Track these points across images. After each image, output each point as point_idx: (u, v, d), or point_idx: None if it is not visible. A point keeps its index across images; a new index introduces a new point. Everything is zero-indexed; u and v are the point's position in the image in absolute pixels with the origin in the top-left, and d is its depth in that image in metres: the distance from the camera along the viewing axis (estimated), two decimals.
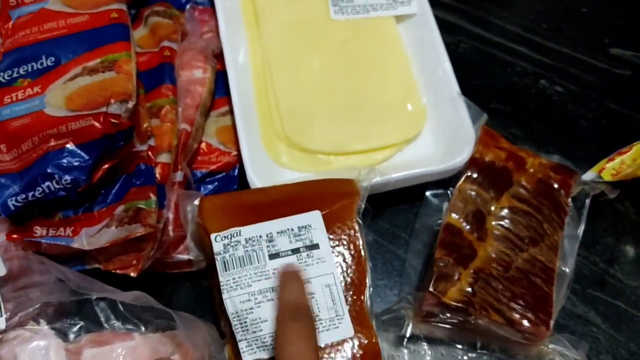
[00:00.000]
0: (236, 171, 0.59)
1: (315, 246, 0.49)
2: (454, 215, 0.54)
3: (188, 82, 0.59)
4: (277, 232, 0.49)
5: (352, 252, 0.50)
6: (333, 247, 0.49)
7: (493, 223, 0.54)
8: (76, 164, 0.49)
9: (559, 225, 0.55)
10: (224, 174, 0.59)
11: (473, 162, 0.56)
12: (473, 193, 0.55)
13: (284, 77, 0.62)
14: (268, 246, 0.49)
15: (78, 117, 0.49)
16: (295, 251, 0.49)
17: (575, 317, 0.56)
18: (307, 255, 0.49)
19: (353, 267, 0.49)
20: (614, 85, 0.69)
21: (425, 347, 0.53)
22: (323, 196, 0.51)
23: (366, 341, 0.47)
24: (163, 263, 0.53)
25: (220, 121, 0.61)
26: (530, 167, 0.57)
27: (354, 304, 0.48)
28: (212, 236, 0.48)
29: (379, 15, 0.66)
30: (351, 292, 0.48)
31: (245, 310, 0.46)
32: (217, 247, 0.48)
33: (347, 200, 0.51)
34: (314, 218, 0.50)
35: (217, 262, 0.48)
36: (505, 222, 0.55)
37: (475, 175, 0.56)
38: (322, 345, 0.47)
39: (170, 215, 0.53)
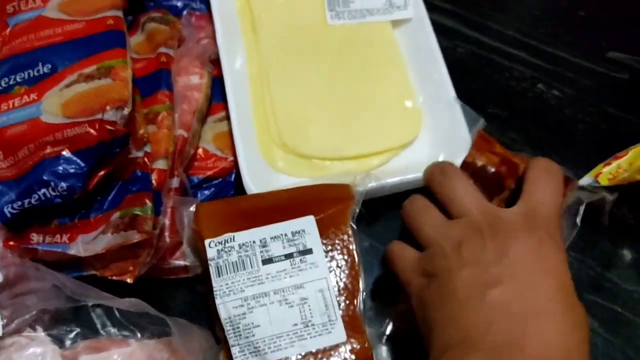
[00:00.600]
0: (233, 177, 0.59)
1: (308, 251, 0.49)
2: None
3: (185, 88, 0.59)
4: (271, 238, 0.49)
5: (346, 257, 0.50)
6: (326, 252, 0.49)
7: None
8: (72, 171, 0.49)
9: None
10: (220, 179, 0.59)
11: (465, 166, 0.56)
12: None
13: (280, 83, 0.62)
14: (261, 251, 0.49)
15: (74, 124, 0.49)
16: (289, 256, 0.49)
17: None
18: (301, 260, 0.49)
19: (346, 272, 0.49)
20: (611, 89, 0.68)
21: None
22: (318, 201, 0.51)
23: (358, 346, 0.47)
24: (159, 269, 0.53)
25: (217, 127, 0.61)
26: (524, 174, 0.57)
27: (347, 309, 0.48)
28: (206, 242, 0.49)
29: (375, 20, 0.66)
30: (344, 297, 0.48)
31: (238, 315, 0.46)
32: (210, 252, 0.48)
33: (342, 205, 0.51)
34: (308, 223, 0.50)
35: (210, 268, 0.48)
36: None
37: None
38: (314, 350, 0.47)
39: (167, 222, 0.53)
